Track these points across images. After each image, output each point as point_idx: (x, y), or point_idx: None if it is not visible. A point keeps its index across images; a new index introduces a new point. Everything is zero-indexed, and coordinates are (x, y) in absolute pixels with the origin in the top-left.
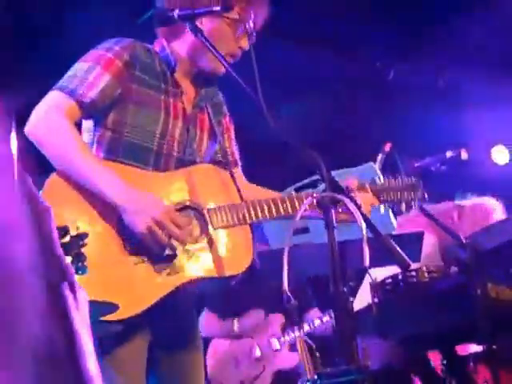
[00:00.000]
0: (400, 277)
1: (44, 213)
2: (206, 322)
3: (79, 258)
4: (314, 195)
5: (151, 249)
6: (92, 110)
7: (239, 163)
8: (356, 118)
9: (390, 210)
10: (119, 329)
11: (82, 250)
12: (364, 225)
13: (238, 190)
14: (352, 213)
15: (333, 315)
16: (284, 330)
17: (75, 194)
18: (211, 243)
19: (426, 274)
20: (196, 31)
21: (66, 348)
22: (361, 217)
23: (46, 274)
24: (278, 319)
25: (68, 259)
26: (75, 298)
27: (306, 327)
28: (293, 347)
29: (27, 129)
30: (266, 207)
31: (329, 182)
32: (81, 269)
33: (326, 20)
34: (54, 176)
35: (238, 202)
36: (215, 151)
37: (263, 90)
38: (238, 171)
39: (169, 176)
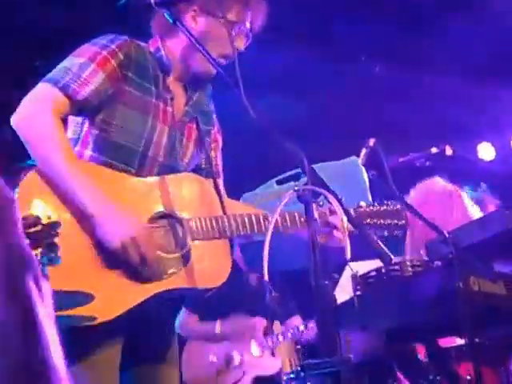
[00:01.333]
0: (383, 270)
1: (7, 202)
2: (185, 321)
3: (51, 248)
4: (295, 189)
5: (123, 263)
6: (82, 108)
7: (221, 176)
8: (341, 112)
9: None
10: (92, 327)
11: (55, 239)
12: (345, 218)
13: (222, 202)
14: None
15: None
16: (266, 334)
17: (52, 194)
18: (189, 254)
19: (409, 268)
20: (174, 19)
21: (22, 338)
22: (342, 210)
23: (6, 262)
24: (259, 323)
25: (39, 249)
26: (40, 290)
27: (290, 334)
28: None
29: (13, 120)
30: (247, 222)
31: (310, 176)
32: (53, 259)
33: (309, 14)
34: (32, 173)
35: (219, 214)
36: (200, 161)
37: (251, 86)
38: (220, 184)
39: (151, 182)
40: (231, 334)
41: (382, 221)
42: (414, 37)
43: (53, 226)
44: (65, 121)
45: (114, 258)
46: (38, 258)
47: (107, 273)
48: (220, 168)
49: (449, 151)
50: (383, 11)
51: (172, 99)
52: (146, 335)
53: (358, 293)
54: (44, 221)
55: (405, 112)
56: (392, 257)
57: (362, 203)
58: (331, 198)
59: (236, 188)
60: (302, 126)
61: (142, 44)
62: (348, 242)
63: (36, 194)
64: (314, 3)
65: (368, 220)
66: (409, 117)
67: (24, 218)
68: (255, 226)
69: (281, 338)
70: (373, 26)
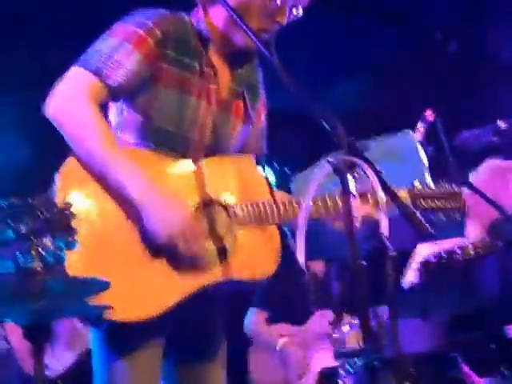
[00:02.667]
0: (444, 254)
1: None
2: (253, 322)
3: (67, 232)
4: (329, 160)
5: (169, 254)
6: (118, 92)
7: (259, 152)
8: (410, 88)
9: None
10: (133, 325)
11: (72, 223)
12: (382, 193)
13: (270, 187)
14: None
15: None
16: (334, 326)
17: (93, 182)
18: (236, 243)
19: (471, 251)
20: None
21: None
22: (379, 183)
23: None
24: (326, 316)
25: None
26: None
27: (356, 321)
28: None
29: (46, 109)
30: (297, 207)
31: (347, 146)
32: (70, 243)
33: None
34: (70, 160)
35: (266, 198)
36: (247, 137)
37: (317, 64)
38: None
39: (196, 167)
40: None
41: (438, 203)
42: (488, 9)
43: (67, 208)
44: (106, 107)
45: (159, 250)
46: (55, 242)
47: (150, 266)
48: (258, 145)
49: None
50: None
51: (215, 74)
52: (190, 333)
53: (417, 279)
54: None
55: (477, 88)
56: (432, 232)
57: (416, 183)
58: (367, 168)
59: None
60: (365, 103)
61: (183, 16)
62: (385, 216)
63: (76, 183)
64: None
65: (422, 201)
66: (482, 93)
67: (36, 201)
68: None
69: (347, 328)
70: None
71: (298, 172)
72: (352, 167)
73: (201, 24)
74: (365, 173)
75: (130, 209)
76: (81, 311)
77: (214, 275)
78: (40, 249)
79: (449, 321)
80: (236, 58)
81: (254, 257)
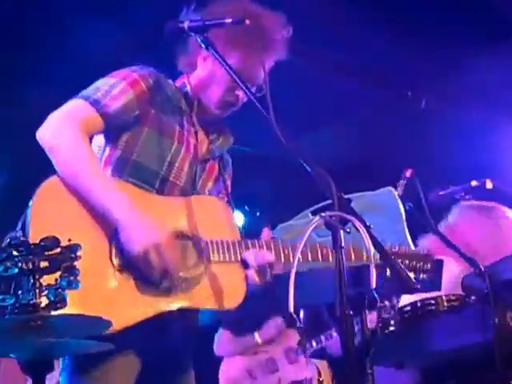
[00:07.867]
0: (418, 304)
1: None
2: (223, 340)
3: (71, 272)
4: (322, 215)
5: (141, 271)
6: (109, 124)
7: None
8: (383, 145)
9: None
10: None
11: (75, 263)
12: (372, 247)
13: (239, 229)
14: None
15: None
16: (299, 344)
17: (72, 201)
18: (205, 275)
19: (445, 303)
20: (207, 44)
21: None
22: (369, 238)
23: None
24: (294, 333)
25: (58, 272)
26: None
27: (323, 339)
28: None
29: (40, 133)
30: (265, 248)
31: (337, 201)
32: (72, 283)
33: (358, 48)
34: (52, 179)
35: (237, 238)
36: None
37: (291, 117)
38: None
39: (172, 201)
40: (271, 340)
41: (407, 262)
42: (458, 69)
43: (72, 249)
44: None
45: (131, 267)
46: (57, 281)
47: (119, 284)
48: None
49: (489, 185)
50: (430, 42)
51: (196, 133)
52: (160, 363)
53: (393, 328)
54: (63, 243)
55: (448, 143)
56: (418, 286)
57: (387, 245)
58: (359, 224)
59: (272, 219)
60: (341, 157)
61: (168, 79)
62: (374, 271)
63: (54, 200)
64: (359, 39)
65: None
66: (451, 148)
67: (43, 240)
68: (273, 253)
69: (314, 343)
70: (420, 57)
71: (267, 215)
72: (344, 222)
73: (184, 88)
74: (356, 228)
75: (106, 227)
76: (80, 348)
77: (180, 302)
78: (42, 286)
79: (422, 369)
80: (213, 123)
81: (220, 288)
